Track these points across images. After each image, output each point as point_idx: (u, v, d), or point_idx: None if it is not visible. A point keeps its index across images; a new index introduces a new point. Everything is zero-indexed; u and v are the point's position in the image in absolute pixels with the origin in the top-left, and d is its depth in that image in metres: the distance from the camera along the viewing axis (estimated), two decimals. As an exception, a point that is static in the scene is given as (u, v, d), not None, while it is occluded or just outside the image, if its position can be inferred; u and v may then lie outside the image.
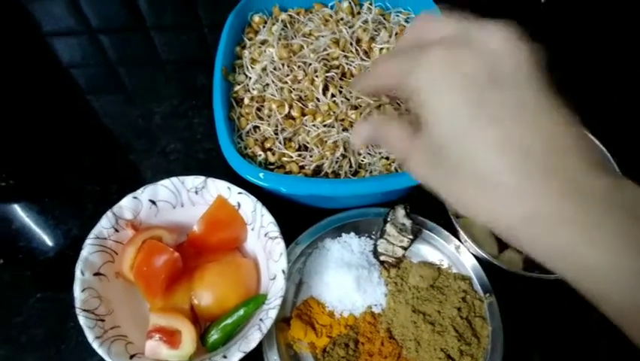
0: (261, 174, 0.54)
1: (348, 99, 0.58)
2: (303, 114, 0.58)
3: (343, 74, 0.61)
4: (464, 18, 0.29)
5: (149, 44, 0.85)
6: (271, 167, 0.57)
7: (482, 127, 0.26)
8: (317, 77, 0.58)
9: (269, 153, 0.57)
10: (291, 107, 0.58)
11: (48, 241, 0.65)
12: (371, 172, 0.58)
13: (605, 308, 0.27)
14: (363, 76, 0.41)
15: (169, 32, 0.86)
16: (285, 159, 0.56)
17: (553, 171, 0.25)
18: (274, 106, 0.59)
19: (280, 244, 0.54)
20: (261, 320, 0.51)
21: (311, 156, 0.56)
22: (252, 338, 0.50)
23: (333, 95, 0.59)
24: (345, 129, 0.58)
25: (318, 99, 0.58)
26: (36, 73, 0.81)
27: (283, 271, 0.53)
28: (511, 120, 0.26)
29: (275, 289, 0.53)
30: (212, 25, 0.85)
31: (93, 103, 0.78)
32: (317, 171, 0.57)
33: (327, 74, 0.59)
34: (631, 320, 0.26)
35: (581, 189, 0.25)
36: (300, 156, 0.56)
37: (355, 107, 0.59)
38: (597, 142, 0.63)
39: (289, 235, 0.60)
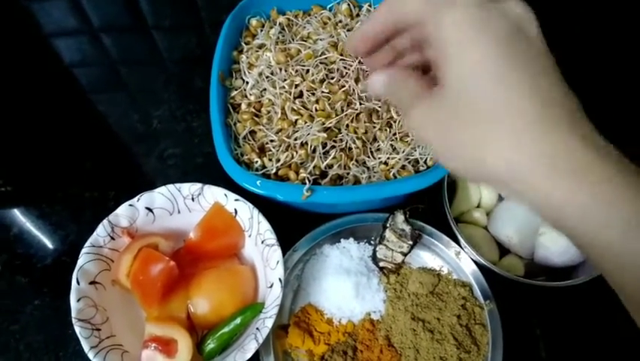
0: (258, 182, 0.53)
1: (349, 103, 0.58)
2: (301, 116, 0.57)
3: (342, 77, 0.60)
4: None
5: (148, 46, 0.85)
6: (268, 173, 0.56)
7: (515, 75, 0.27)
8: (314, 81, 0.57)
9: (265, 159, 0.56)
10: (290, 111, 0.57)
11: (46, 248, 0.65)
12: (370, 178, 0.57)
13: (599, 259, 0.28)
14: (363, 24, 0.39)
15: (169, 34, 0.85)
16: (280, 164, 0.55)
17: (578, 121, 0.27)
18: (272, 111, 0.58)
19: (277, 251, 0.54)
20: (257, 329, 0.51)
21: (313, 161, 0.55)
22: (248, 348, 0.50)
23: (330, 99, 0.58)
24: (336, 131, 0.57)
25: (317, 102, 0.57)
26: (35, 75, 0.81)
27: (280, 280, 0.52)
28: (540, 74, 0.27)
29: (272, 297, 0.53)
30: (213, 26, 0.84)
31: (92, 106, 0.77)
32: (320, 176, 0.57)
33: (330, 81, 0.58)
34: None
35: (598, 145, 0.26)
36: (301, 164, 0.55)
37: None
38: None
39: (287, 240, 0.59)
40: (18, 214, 0.67)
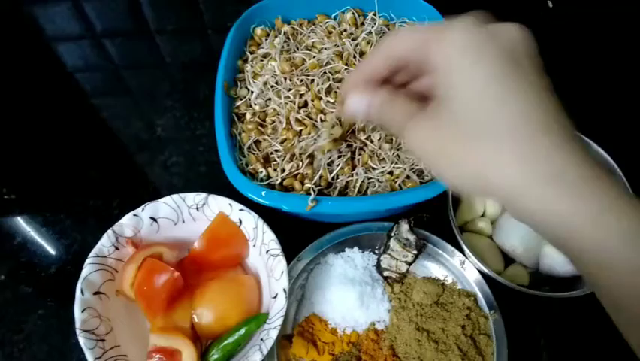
0: (263, 193, 0.53)
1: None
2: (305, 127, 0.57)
3: None
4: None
5: (152, 52, 0.85)
6: (273, 183, 0.56)
7: (515, 93, 0.28)
8: (320, 91, 0.57)
9: (270, 169, 0.56)
10: (294, 121, 0.57)
11: (50, 257, 0.65)
12: (374, 185, 0.57)
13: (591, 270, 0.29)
14: (356, 68, 0.40)
15: (173, 39, 0.85)
16: (285, 175, 0.55)
17: (576, 140, 0.28)
18: (277, 121, 0.58)
19: (282, 262, 0.54)
20: (262, 340, 0.51)
21: (318, 171, 0.55)
22: (252, 359, 0.49)
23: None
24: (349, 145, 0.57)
25: (323, 113, 0.57)
26: (38, 81, 0.81)
27: (284, 290, 0.52)
28: (541, 95, 0.28)
29: (276, 308, 0.52)
30: (218, 32, 0.84)
31: (95, 113, 0.77)
32: (326, 186, 0.57)
33: (337, 90, 0.58)
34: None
35: (587, 165, 0.27)
36: (306, 174, 0.55)
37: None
38: (602, 151, 0.62)
39: (291, 249, 0.59)
40: (22, 223, 0.67)
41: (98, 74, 0.81)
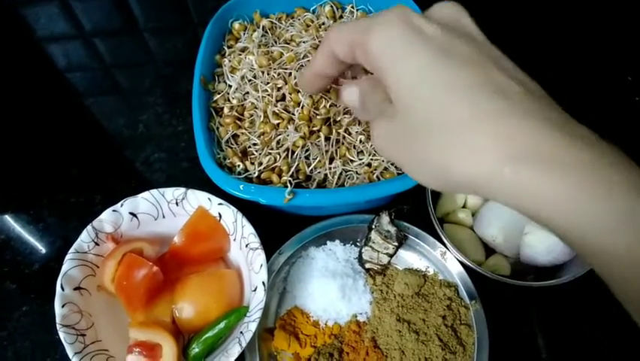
0: (241, 186, 0.53)
1: (337, 105, 0.57)
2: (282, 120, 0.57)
3: None
4: None
5: (133, 49, 0.84)
6: (251, 176, 0.56)
7: (456, 75, 0.26)
8: (297, 84, 0.57)
9: (247, 162, 0.56)
10: (272, 115, 0.57)
11: (33, 254, 0.65)
12: (353, 178, 0.57)
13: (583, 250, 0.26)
14: (309, 64, 0.40)
15: (155, 36, 0.85)
16: (262, 168, 0.55)
17: (535, 110, 0.25)
18: (254, 115, 0.58)
19: (261, 255, 0.54)
20: (241, 332, 0.51)
21: (294, 164, 0.55)
22: (231, 352, 0.50)
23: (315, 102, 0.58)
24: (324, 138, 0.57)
25: (301, 106, 0.57)
26: (17, 80, 0.81)
27: (264, 283, 0.52)
28: (482, 66, 0.26)
29: (255, 301, 0.53)
30: (199, 28, 0.84)
31: (77, 111, 0.77)
32: (305, 179, 0.57)
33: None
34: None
35: (563, 129, 0.25)
36: (287, 166, 0.55)
37: (347, 113, 0.58)
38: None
39: (273, 243, 0.59)
40: (5, 221, 0.67)
41: (79, 73, 0.81)
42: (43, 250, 0.65)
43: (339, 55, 0.33)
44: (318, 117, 0.55)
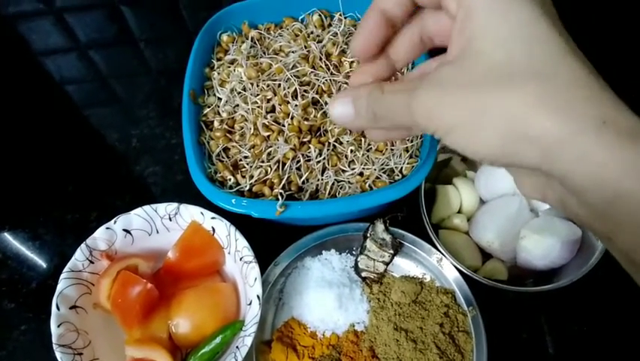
0: (232, 200, 0.53)
1: (327, 114, 0.57)
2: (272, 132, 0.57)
3: (323, 91, 0.59)
4: None
5: (125, 62, 0.84)
6: (242, 190, 0.56)
7: (550, 41, 0.25)
8: (286, 95, 0.57)
9: (239, 176, 0.56)
10: (262, 127, 0.57)
11: (30, 272, 0.65)
12: (345, 188, 0.57)
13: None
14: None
15: (147, 49, 0.85)
16: (253, 181, 0.55)
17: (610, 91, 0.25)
18: (245, 128, 0.58)
19: (255, 268, 0.54)
20: (237, 347, 0.51)
21: (285, 176, 0.55)
22: (227, 368, 0.50)
23: (306, 112, 0.57)
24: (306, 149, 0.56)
25: (291, 117, 0.57)
26: (9, 97, 0.81)
27: (258, 297, 0.52)
28: (566, 41, 0.26)
29: (251, 315, 0.52)
30: (190, 41, 0.84)
31: (69, 127, 0.77)
32: (297, 191, 0.56)
33: (304, 93, 0.58)
34: None
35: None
36: (278, 178, 0.55)
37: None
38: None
39: (268, 255, 0.59)
40: (1, 239, 0.67)
41: (72, 86, 0.81)
42: (41, 268, 0.66)
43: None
44: (306, 123, 0.55)
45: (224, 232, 0.56)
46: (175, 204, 0.57)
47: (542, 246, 0.57)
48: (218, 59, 0.64)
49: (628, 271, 0.26)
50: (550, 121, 0.24)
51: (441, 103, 0.27)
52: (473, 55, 0.27)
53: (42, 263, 0.66)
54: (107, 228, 0.56)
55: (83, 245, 0.55)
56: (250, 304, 0.53)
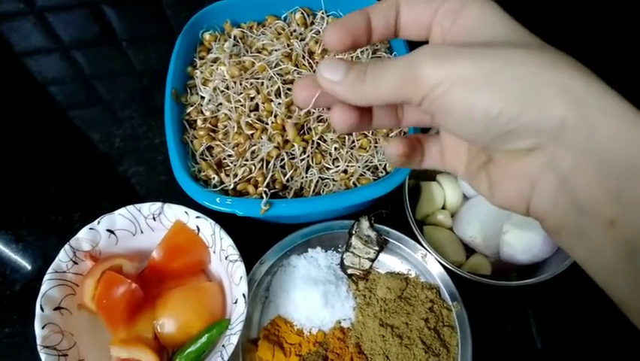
0: (217, 199, 0.53)
1: (311, 112, 0.57)
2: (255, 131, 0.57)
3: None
4: None
5: (106, 62, 0.84)
6: (227, 188, 0.56)
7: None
8: (270, 93, 0.57)
9: (223, 174, 0.56)
10: (245, 125, 0.57)
11: (14, 274, 0.65)
12: (329, 185, 0.57)
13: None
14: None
15: (129, 48, 0.85)
16: (237, 180, 0.55)
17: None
18: (228, 126, 0.58)
19: (240, 267, 0.54)
20: (223, 346, 0.51)
21: (269, 174, 0.55)
22: (213, 367, 0.50)
23: (290, 110, 0.57)
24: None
25: (274, 115, 0.57)
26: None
27: (244, 295, 0.52)
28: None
29: (237, 313, 0.52)
30: (172, 40, 0.83)
31: (51, 128, 0.76)
32: (281, 189, 0.56)
33: (288, 91, 0.58)
34: None
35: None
36: (262, 177, 0.55)
37: (321, 121, 0.58)
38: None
39: (254, 253, 0.59)
40: (-16, 242, 0.67)
41: (53, 88, 0.80)
42: (24, 270, 0.65)
43: None
44: (290, 121, 0.55)
45: (209, 230, 0.56)
46: (159, 204, 0.57)
47: (524, 240, 0.58)
48: (201, 58, 0.64)
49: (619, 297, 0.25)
50: (576, 70, 0.23)
51: (447, 54, 0.25)
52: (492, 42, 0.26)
53: (26, 265, 0.65)
54: (91, 228, 0.56)
55: (66, 246, 0.55)
56: (236, 302, 0.53)
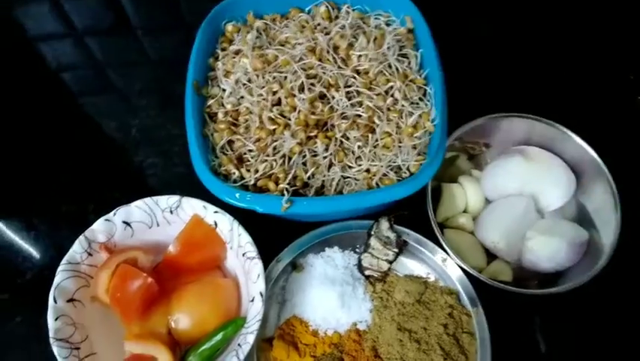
0: (237, 195, 0.52)
1: (334, 109, 0.56)
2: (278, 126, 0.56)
3: (331, 85, 0.58)
4: None
5: (125, 50, 0.83)
6: (247, 184, 0.55)
7: None
8: (293, 88, 0.56)
9: (243, 169, 0.55)
10: (267, 120, 0.55)
11: (25, 263, 0.64)
12: (351, 184, 0.56)
13: None
14: None
15: (148, 37, 0.83)
16: (257, 176, 0.54)
17: None
18: (250, 120, 0.57)
19: (258, 264, 0.53)
20: (239, 345, 0.50)
21: (291, 171, 0.54)
22: (229, 366, 0.49)
23: (313, 106, 0.56)
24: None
25: (298, 111, 0.56)
26: (6, 84, 0.79)
27: (261, 294, 0.51)
28: None
29: (253, 312, 0.51)
30: (193, 29, 0.82)
31: (67, 115, 0.76)
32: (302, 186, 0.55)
33: (311, 86, 0.57)
34: None
35: None
36: (283, 173, 0.54)
37: (345, 118, 0.57)
38: (588, 148, 0.60)
39: (270, 250, 0.58)
40: (-4, 230, 0.66)
41: (69, 74, 0.79)
42: (36, 259, 0.64)
43: None
44: (313, 117, 0.54)
45: (227, 226, 0.55)
46: (177, 197, 0.56)
47: (549, 248, 0.56)
48: (223, 49, 0.63)
49: None
50: None
51: None
52: None
53: (37, 254, 0.64)
54: (106, 220, 0.55)
55: (81, 237, 0.54)
56: (253, 301, 0.52)
